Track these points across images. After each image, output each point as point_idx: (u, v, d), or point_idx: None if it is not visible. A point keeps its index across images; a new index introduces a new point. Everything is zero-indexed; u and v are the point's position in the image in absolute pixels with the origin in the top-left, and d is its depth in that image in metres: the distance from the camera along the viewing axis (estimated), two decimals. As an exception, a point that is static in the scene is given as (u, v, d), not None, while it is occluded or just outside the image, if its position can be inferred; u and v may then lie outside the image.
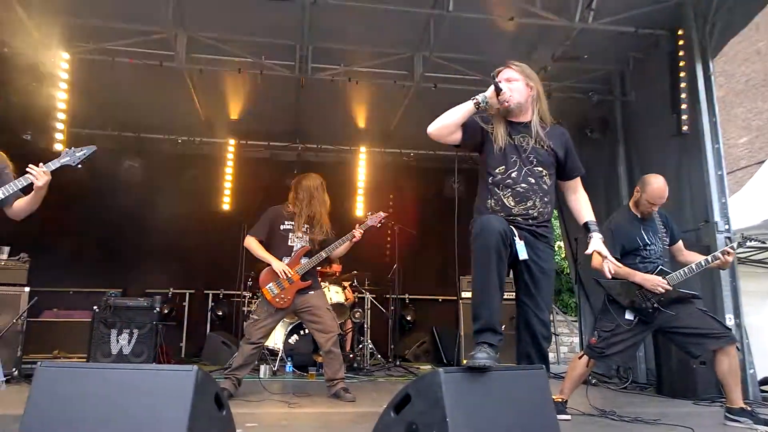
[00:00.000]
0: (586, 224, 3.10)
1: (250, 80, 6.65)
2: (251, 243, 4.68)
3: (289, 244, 4.69)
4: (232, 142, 8.50)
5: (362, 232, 4.76)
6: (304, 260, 4.65)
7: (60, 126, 6.43)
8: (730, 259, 3.80)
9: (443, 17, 5.69)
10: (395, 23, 5.95)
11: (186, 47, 6.12)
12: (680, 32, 5.81)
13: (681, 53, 5.80)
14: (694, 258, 4.02)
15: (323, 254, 4.69)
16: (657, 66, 6.24)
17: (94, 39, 6.05)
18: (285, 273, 4.54)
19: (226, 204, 8.43)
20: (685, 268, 3.89)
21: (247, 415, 3.66)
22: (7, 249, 5.35)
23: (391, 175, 8.98)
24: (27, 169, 2.98)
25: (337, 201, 5.13)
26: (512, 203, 2.88)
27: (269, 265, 4.60)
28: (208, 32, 6.13)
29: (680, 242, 4.19)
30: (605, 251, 3.01)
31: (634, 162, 6.75)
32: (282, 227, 4.71)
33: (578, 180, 3.19)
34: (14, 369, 5.06)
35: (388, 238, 7.72)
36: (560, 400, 3.90)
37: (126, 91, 6.88)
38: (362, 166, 8.87)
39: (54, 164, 3.12)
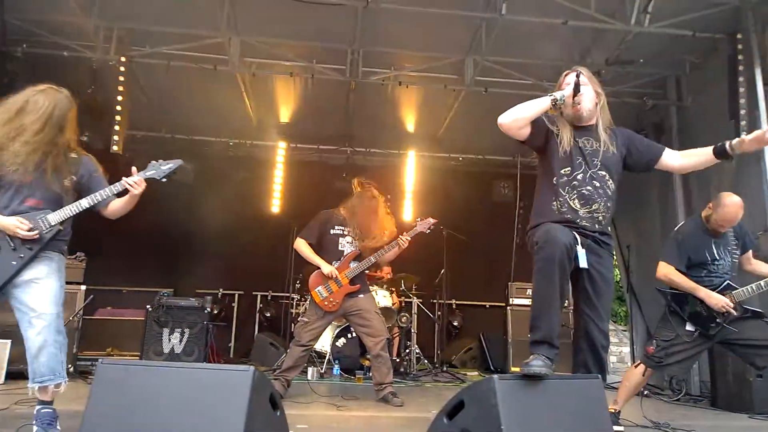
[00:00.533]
0: (713, 149, 2.92)
1: (301, 84, 6.74)
2: (301, 246, 4.72)
3: (339, 248, 4.72)
4: (282, 144, 8.60)
5: (410, 239, 4.74)
6: (353, 264, 4.67)
7: (116, 128, 6.63)
8: None
9: (495, 20, 5.64)
10: (446, 27, 5.93)
11: (239, 51, 6.25)
12: (739, 36, 5.61)
13: (740, 58, 5.59)
14: (762, 269, 3.88)
15: (372, 259, 4.70)
16: (715, 71, 6.04)
17: (150, 43, 6.24)
18: (333, 276, 4.56)
19: (275, 206, 8.54)
20: (753, 285, 3.73)
21: (298, 417, 3.68)
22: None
23: (439, 179, 8.93)
24: (123, 180, 3.04)
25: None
26: (578, 205, 2.82)
27: (319, 268, 4.63)
28: (261, 36, 6.24)
29: (750, 252, 4.02)
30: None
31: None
32: (332, 231, 4.74)
33: (669, 153, 3.03)
34: (70, 366, 5.20)
35: (437, 243, 7.66)
36: (613, 410, 3.78)
37: (180, 94, 7.07)
38: (410, 170, 8.85)
39: (141, 175, 3.13)
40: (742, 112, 5.50)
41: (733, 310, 3.65)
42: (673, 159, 3.02)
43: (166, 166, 3.15)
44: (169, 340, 5.59)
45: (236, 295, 8.41)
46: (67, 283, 5.22)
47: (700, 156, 3.00)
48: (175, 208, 7.67)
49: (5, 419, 3.35)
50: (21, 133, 2.91)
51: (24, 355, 4.62)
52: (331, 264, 4.63)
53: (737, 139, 2.87)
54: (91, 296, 5.56)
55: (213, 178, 8.24)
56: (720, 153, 2.89)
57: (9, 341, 4.83)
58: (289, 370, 4.56)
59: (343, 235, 4.75)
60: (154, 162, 3.15)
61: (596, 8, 5.49)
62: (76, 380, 5.02)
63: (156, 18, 5.95)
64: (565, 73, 3.00)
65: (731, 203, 3.79)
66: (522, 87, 6.62)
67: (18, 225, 2.83)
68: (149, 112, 7.40)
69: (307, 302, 4.98)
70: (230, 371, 2.29)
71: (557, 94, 2.81)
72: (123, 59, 6.21)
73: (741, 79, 5.56)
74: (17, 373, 4.80)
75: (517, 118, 2.80)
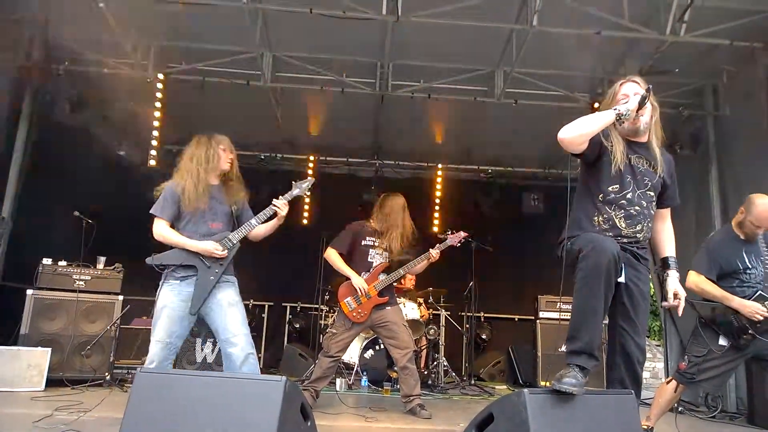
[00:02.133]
0: (665, 259, 3.00)
1: (330, 97, 6.82)
2: (332, 255, 4.76)
3: (369, 260, 4.75)
4: (311, 158, 8.71)
5: (439, 252, 4.75)
6: (382, 276, 4.69)
7: (153, 143, 6.81)
8: None
9: (525, 32, 5.63)
10: (476, 39, 5.94)
11: (271, 66, 6.37)
12: (778, 42, 5.49)
13: (780, 64, 5.48)
14: None
15: (401, 271, 4.72)
16: (753, 80, 5.90)
17: (186, 60, 6.41)
18: (362, 290, 4.58)
19: (305, 219, 8.64)
20: None
21: (326, 428, 3.71)
22: (103, 259, 5.68)
23: (468, 192, 8.92)
24: (273, 203, 3.56)
25: (413, 217, 5.14)
26: (623, 225, 2.76)
27: (348, 279, 4.66)
28: (293, 51, 6.36)
29: None
30: (682, 292, 2.87)
31: (728, 181, 6.39)
32: (363, 243, 4.78)
33: (669, 210, 3.07)
34: (107, 374, 5.34)
35: (465, 255, 7.63)
36: (646, 427, 3.72)
37: (212, 108, 7.21)
38: (439, 183, 8.86)
39: (290, 196, 3.67)
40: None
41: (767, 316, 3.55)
42: (657, 220, 2.99)
43: (305, 184, 3.77)
44: (202, 349, 5.70)
45: (266, 306, 8.50)
46: (105, 293, 5.47)
47: (657, 244, 3.07)
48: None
49: (48, 425, 3.44)
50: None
51: (63, 363, 4.80)
52: (360, 275, 4.66)
53: (670, 277, 2.93)
54: (128, 306, 5.69)
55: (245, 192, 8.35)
56: (663, 265, 3.00)
57: (49, 349, 4.98)
58: (318, 380, 4.59)
59: (374, 247, 4.78)
60: (294, 182, 3.73)
61: (630, 17, 5.40)
62: (112, 388, 5.14)
63: (191, 35, 6.11)
64: (620, 82, 2.90)
65: (764, 203, 3.72)
66: (553, 98, 6.59)
67: (216, 248, 3.36)
68: (183, 126, 7.55)
69: (336, 314, 5.01)
70: (263, 381, 2.33)
71: (622, 108, 2.67)
72: (160, 76, 6.39)
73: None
74: (57, 381, 4.95)
75: (581, 134, 2.66)
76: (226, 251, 3.42)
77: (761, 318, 3.56)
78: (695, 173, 6.76)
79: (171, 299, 3.28)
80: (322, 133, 8.14)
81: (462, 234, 4.89)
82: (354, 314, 4.59)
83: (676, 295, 2.85)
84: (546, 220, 7.90)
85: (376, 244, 4.78)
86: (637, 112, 2.71)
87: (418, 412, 4.46)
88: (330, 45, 6.22)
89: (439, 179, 8.87)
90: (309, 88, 6.61)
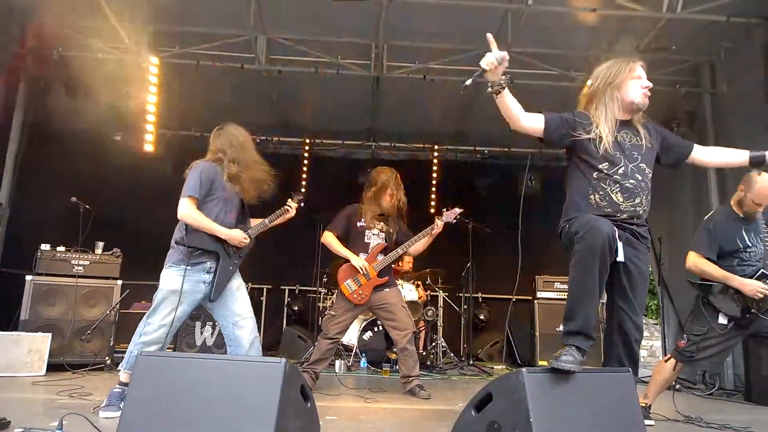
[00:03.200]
0: (751, 156, 2.99)
1: (325, 79, 6.77)
2: (329, 238, 4.76)
3: (366, 240, 4.75)
4: (307, 141, 8.68)
5: (443, 224, 4.72)
6: (380, 257, 4.70)
7: (149, 128, 6.77)
8: None
9: (520, 11, 5.59)
10: (470, 18, 5.88)
11: (266, 49, 6.33)
12: (776, 18, 5.46)
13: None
14: None
15: (399, 251, 4.72)
16: (750, 56, 5.87)
17: (180, 43, 6.35)
18: (364, 269, 4.60)
19: (301, 202, 8.61)
20: None
21: (326, 408, 3.74)
22: (101, 244, 5.68)
23: (465, 173, 8.92)
24: (287, 203, 3.95)
25: (410, 199, 5.14)
26: (621, 199, 2.79)
27: (346, 261, 4.67)
28: (287, 34, 6.30)
29: None
30: None
31: (724, 159, 6.39)
32: (359, 224, 4.78)
33: (696, 149, 3.07)
34: (107, 358, 5.37)
35: (462, 236, 7.65)
36: (644, 404, 3.75)
37: (208, 92, 7.17)
38: (435, 164, 8.85)
39: (300, 197, 4.13)
40: (779, 99, 5.36)
41: None
42: (702, 155, 3.05)
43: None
44: (201, 333, 5.73)
45: (264, 289, 8.53)
46: (104, 278, 5.48)
47: (732, 157, 3.04)
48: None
49: (49, 409, 3.47)
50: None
51: (64, 348, 4.81)
52: (358, 257, 4.68)
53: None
54: (127, 291, 5.71)
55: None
56: (757, 162, 2.95)
57: (50, 335, 4.99)
58: (317, 362, 4.62)
59: (370, 228, 4.77)
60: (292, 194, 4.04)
61: (626, -6, 5.39)
62: (113, 372, 5.17)
63: (185, 18, 6.05)
64: (634, 60, 2.95)
65: (763, 179, 3.73)
66: (549, 78, 6.56)
67: (243, 236, 3.55)
68: (179, 111, 7.52)
69: (335, 296, 5.02)
70: (262, 363, 2.34)
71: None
72: (154, 60, 6.34)
73: (778, 64, 5.42)
74: (58, 365, 4.97)
75: (508, 119, 2.83)
76: (248, 240, 3.61)
77: (762, 296, 3.59)
78: (692, 149, 6.75)
79: (180, 284, 3.31)
80: (318, 116, 8.12)
81: (457, 210, 4.86)
82: (354, 296, 4.60)
83: None
84: (543, 200, 7.91)
85: (372, 224, 4.77)
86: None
87: (417, 392, 4.50)
88: (324, 27, 6.17)
89: (435, 161, 8.85)
90: (304, 71, 6.56)
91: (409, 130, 8.54)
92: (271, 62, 6.52)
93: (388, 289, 4.71)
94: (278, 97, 7.54)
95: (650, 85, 2.90)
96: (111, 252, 5.65)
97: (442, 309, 7.25)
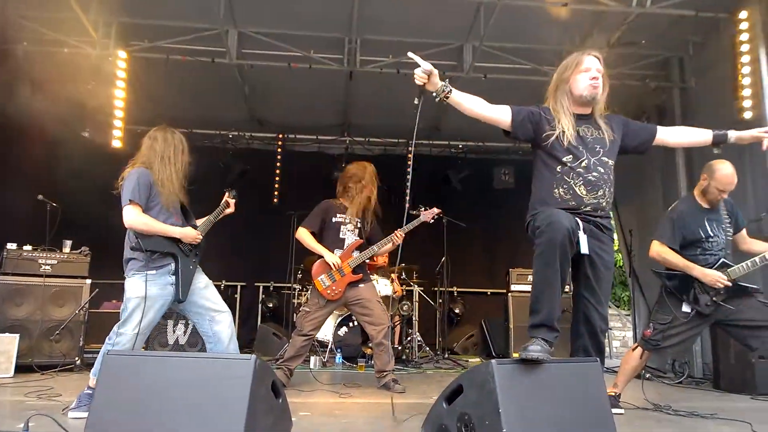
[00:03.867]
0: (714, 135, 3.11)
1: (299, 74, 6.72)
2: (303, 235, 4.73)
3: (341, 236, 4.73)
4: (280, 136, 8.61)
5: (404, 234, 4.70)
6: (355, 253, 4.68)
7: (117, 123, 6.65)
8: None
9: (493, 5, 5.61)
10: (444, 13, 5.90)
11: (237, 43, 6.25)
12: (743, 15, 5.57)
13: (743, 37, 5.55)
14: (758, 247, 3.87)
15: (375, 248, 4.71)
16: (718, 51, 6.00)
17: (149, 37, 6.24)
18: (337, 266, 4.58)
19: (275, 198, 8.57)
20: (748, 262, 3.72)
21: (300, 405, 3.72)
22: (69, 243, 5.57)
23: (440, 167, 8.94)
24: (226, 199, 3.87)
25: (386, 194, 5.13)
26: (584, 192, 2.83)
27: (321, 257, 4.66)
28: (258, 27, 6.23)
29: (744, 231, 4.02)
30: (755, 132, 3.07)
31: (693, 149, 6.50)
32: (334, 219, 4.75)
33: (662, 130, 3.13)
34: (77, 358, 5.27)
35: (437, 231, 7.68)
36: (613, 393, 3.82)
37: (179, 87, 7.07)
38: (410, 159, 8.84)
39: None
40: (746, 92, 5.46)
41: (728, 283, 3.67)
42: (667, 136, 3.12)
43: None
44: (174, 331, 5.65)
45: (238, 287, 8.47)
46: (73, 277, 5.37)
47: (696, 136, 3.13)
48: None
49: (17, 411, 3.40)
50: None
51: (32, 348, 4.70)
52: (333, 253, 4.66)
53: (737, 134, 3.06)
54: (96, 290, 5.61)
55: (213, 171, 8.26)
56: (719, 141, 3.05)
57: (17, 335, 4.89)
58: (292, 359, 4.59)
59: (344, 224, 4.76)
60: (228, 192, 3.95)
61: (597, -11, 5.44)
62: (83, 372, 5.08)
63: (154, 12, 5.95)
64: (584, 53, 3.03)
65: (725, 167, 3.82)
66: (522, 72, 6.59)
67: (197, 234, 3.52)
68: (149, 106, 7.39)
69: (309, 292, 5.00)
70: (232, 360, 2.33)
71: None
72: (122, 54, 6.22)
73: (745, 58, 5.52)
74: (26, 367, 4.87)
75: (471, 114, 2.91)
76: (201, 237, 3.57)
77: (722, 286, 3.67)
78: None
79: (149, 291, 3.26)
80: (291, 111, 8.06)
81: (435, 210, 4.88)
82: (328, 292, 4.58)
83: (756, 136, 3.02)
84: (517, 194, 7.97)
85: (347, 220, 4.76)
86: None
87: (392, 386, 4.50)
88: (297, 21, 6.11)
89: (409, 155, 8.85)
90: (276, 65, 6.49)
91: (384, 125, 8.52)
92: (243, 56, 6.44)
93: (362, 285, 4.70)
94: (251, 91, 7.46)
95: (598, 75, 2.94)
96: (79, 251, 5.55)
97: (417, 303, 7.27)
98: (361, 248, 4.73)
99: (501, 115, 2.91)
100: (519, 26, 6.07)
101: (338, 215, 4.77)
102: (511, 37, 6.29)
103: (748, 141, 3.10)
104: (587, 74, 2.95)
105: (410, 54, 2.78)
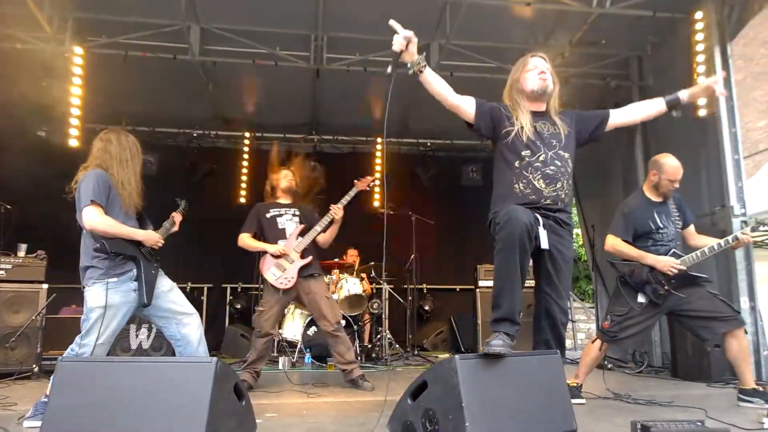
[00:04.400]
0: (666, 102, 3.20)
1: (264, 72, 6.64)
2: (244, 239, 4.72)
3: (280, 227, 4.71)
4: (247, 134, 8.51)
5: (341, 208, 4.67)
6: (300, 239, 4.65)
7: (74, 122, 6.47)
8: (746, 241, 3.79)
9: (459, 4, 5.63)
10: (410, 10, 5.87)
11: (199, 39, 6.14)
12: (698, 15, 5.73)
13: (699, 37, 5.70)
14: (705, 242, 4.00)
15: (318, 227, 4.66)
16: (675, 50, 6.15)
17: (107, 33, 6.07)
18: (281, 251, 4.53)
19: (242, 197, 8.46)
20: (698, 252, 3.87)
21: (268, 406, 3.69)
22: (24, 246, 5.39)
23: (408, 165, 8.95)
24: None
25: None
26: (543, 185, 2.89)
27: (266, 253, 4.63)
28: (222, 23, 6.12)
29: (692, 226, 4.18)
30: (711, 78, 3.18)
31: (652, 147, 6.64)
32: (269, 215, 4.75)
33: (615, 112, 3.20)
34: (34, 366, 5.12)
35: (406, 228, 7.69)
36: (575, 384, 3.91)
37: (140, 85, 6.91)
38: (379, 157, 8.85)
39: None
40: (701, 90, 5.60)
41: (682, 267, 3.78)
42: (621, 116, 3.19)
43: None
44: (137, 336, 5.54)
45: (205, 289, 8.34)
46: (29, 282, 5.21)
47: (650, 108, 3.22)
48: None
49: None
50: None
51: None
52: (277, 243, 4.62)
53: (689, 92, 3.17)
54: (53, 295, 5.45)
55: (178, 170, 8.12)
56: (673, 105, 3.16)
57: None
58: (256, 362, 4.55)
59: (281, 215, 4.75)
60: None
61: (560, -11, 5.51)
62: (41, 380, 4.94)
63: (111, 7, 5.80)
64: (530, 54, 3.15)
65: (671, 159, 4.02)
66: (487, 70, 6.63)
67: (160, 237, 3.46)
68: (109, 104, 7.22)
69: (263, 290, 4.92)
70: (192, 363, 2.28)
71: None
72: (78, 50, 6.05)
73: (700, 57, 5.67)
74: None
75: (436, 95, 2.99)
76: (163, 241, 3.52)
77: (675, 272, 3.78)
78: (623, 141, 7.00)
79: (111, 299, 3.18)
80: (258, 109, 7.96)
81: (369, 178, 4.85)
82: (280, 281, 4.51)
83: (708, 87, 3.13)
84: (484, 191, 8.02)
85: (283, 211, 4.75)
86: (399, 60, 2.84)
87: (361, 384, 4.48)
88: (261, 17, 6.03)
89: (378, 153, 8.84)
90: (241, 62, 6.40)
91: (352, 123, 8.48)
92: (206, 53, 6.33)
93: (314, 280, 4.66)
94: (215, 89, 7.33)
95: (545, 70, 3.05)
96: (35, 254, 5.38)
97: (387, 301, 7.27)
98: (304, 233, 4.69)
99: (466, 104, 2.97)
100: (484, 25, 6.11)
101: (272, 209, 4.77)
102: (477, 36, 6.33)
103: (701, 95, 3.24)
104: (534, 71, 3.06)
105: (391, 22, 2.78)
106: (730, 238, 3.79)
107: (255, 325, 4.69)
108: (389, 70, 2.76)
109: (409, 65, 2.81)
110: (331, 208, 4.66)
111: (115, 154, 3.37)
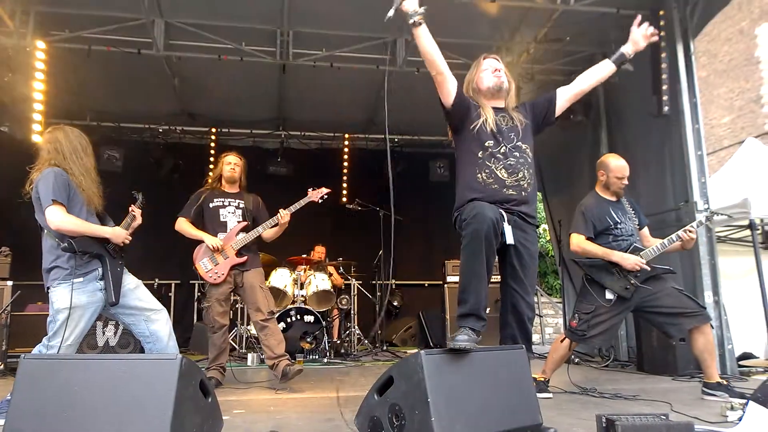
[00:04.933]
0: (613, 60, 3.30)
1: (231, 66, 6.57)
2: (182, 224, 4.58)
3: (222, 219, 4.60)
4: (213, 130, 8.41)
5: (289, 213, 4.56)
6: (240, 236, 4.55)
7: (38, 117, 6.32)
8: (693, 236, 3.94)
9: (424, 0, 5.64)
10: (377, 6, 5.86)
11: (164, 34, 6.04)
12: (661, 12, 5.80)
13: (662, 34, 5.80)
14: (657, 243, 4.08)
15: (260, 228, 4.56)
16: (639, 48, 6.25)
17: (70, 27, 5.94)
18: (214, 246, 4.43)
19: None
20: (657, 244, 3.99)
21: (235, 402, 3.67)
22: (-13, 243, 5.29)
23: (376, 161, 8.95)
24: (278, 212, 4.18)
25: (321, 187, 5.06)
26: (505, 175, 2.92)
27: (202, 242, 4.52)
28: (187, 18, 6.03)
29: (646, 229, 4.28)
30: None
31: (617, 144, 6.78)
32: (212, 204, 4.63)
33: (559, 89, 3.24)
34: (0, 363, 5.02)
35: (374, 225, 7.71)
36: (542, 379, 3.97)
37: (104, 80, 6.78)
38: (346, 153, 8.85)
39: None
40: (665, 87, 5.69)
41: (646, 267, 3.88)
42: (571, 90, 3.24)
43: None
44: (104, 333, 5.47)
45: (173, 285, 8.25)
46: (-6, 279, 5.10)
47: (597, 73, 3.28)
48: (106, 197, 7.39)
49: None
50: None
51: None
52: (217, 237, 4.52)
53: (629, 48, 3.30)
54: (18, 292, 5.35)
55: (143, 166, 7.99)
56: (620, 62, 3.26)
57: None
58: (218, 357, 4.47)
59: (224, 206, 4.63)
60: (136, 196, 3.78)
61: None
62: (7, 377, 4.84)
63: (74, 0, 5.66)
64: (483, 56, 3.23)
65: (615, 158, 4.19)
66: (453, 67, 6.53)
67: (127, 235, 3.39)
68: (73, 99, 7.06)
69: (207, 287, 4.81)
70: (156, 360, 2.27)
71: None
72: (41, 44, 5.90)
73: (663, 54, 5.75)
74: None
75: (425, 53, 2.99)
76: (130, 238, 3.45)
77: (639, 269, 3.87)
78: (588, 138, 7.14)
79: (78, 300, 3.12)
80: (224, 104, 7.89)
81: (323, 190, 4.74)
82: (210, 275, 4.44)
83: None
84: (452, 187, 8.08)
85: (227, 203, 4.64)
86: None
87: (288, 371, 4.27)
88: (226, 11, 5.95)
89: (346, 149, 8.84)
90: (206, 56, 6.33)
91: (319, 119, 8.46)
92: (171, 48, 6.23)
93: (249, 271, 4.55)
94: (181, 84, 7.23)
95: (499, 67, 3.14)
96: (-1, 251, 5.27)
97: (356, 297, 7.29)
98: (246, 230, 4.59)
99: (451, 81, 2.98)
100: (450, 21, 6.13)
101: (216, 199, 4.65)
102: (443, 32, 6.23)
103: (639, 42, 3.33)
104: (488, 70, 3.14)
105: None
106: (673, 235, 3.93)
107: (206, 322, 4.61)
108: (390, 13, 2.81)
109: (409, 15, 2.84)
110: (278, 212, 4.54)
111: (67, 151, 3.28)
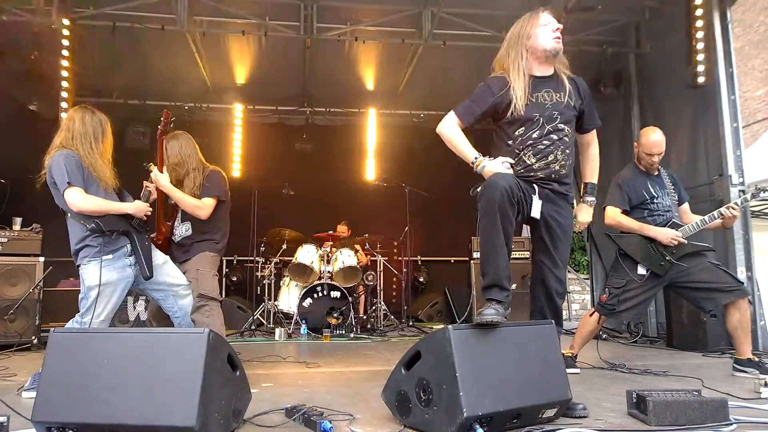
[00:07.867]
0: (585, 185, 3.12)
1: (255, 42, 6.54)
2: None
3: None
4: (239, 107, 8.41)
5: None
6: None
7: (64, 95, 6.37)
8: (736, 213, 3.82)
9: (451, -30, 5.53)
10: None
11: (187, 10, 6.01)
12: (697, -20, 5.61)
13: (697, 2, 5.59)
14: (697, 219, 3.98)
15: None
16: (673, 16, 6.04)
17: (94, 3, 5.95)
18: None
19: (236, 170, 8.40)
20: (697, 221, 3.88)
21: (263, 376, 3.71)
22: (19, 220, 5.37)
23: (401, 137, 8.88)
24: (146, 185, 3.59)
25: (347, 164, 5.05)
26: (533, 160, 2.77)
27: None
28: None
29: (686, 204, 4.16)
30: (583, 220, 3.10)
31: (649, 116, 6.60)
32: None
33: (594, 133, 3.11)
34: (33, 337, 5.15)
35: (400, 201, 7.67)
36: (570, 354, 3.92)
37: (129, 57, 6.81)
38: (372, 129, 8.77)
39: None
40: (700, 57, 5.50)
41: (684, 241, 3.78)
42: (582, 145, 3.11)
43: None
44: (134, 307, 5.55)
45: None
46: (25, 255, 5.20)
47: (582, 167, 3.16)
48: (135, 175, 7.48)
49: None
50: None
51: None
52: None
53: (583, 205, 3.10)
54: (50, 268, 5.45)
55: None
56: (585, 191, 3.12)
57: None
58: None
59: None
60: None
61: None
62: (40, 351, 4.96)
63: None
64: (540, 8, 2.91)
65: (650, 132, 4.01)
66: (481, 39, 6.54)
67: (147, 206, 3.40)
68: (99, 77, 7.11)
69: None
70: (185, 334, 2.28)
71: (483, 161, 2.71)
72: (65, 22, 5.93)
73: (699, 23, 5.56)
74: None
75: (450, 145, 2.86)
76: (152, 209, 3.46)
77: (677, 243, 3.77)
78: (619, 110, 6.96)
79: (108, 276, 3.17)
80: (249, 81, 7.87)
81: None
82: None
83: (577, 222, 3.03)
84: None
85: None
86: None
87: None
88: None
89: (371, 125, 8.77)
90: (229, 32, 6.29)
91: (345, 95, 8.39)
92: (195, 23, 6.22)
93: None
94: (206, 61, 7.23)
95: (560, 27, 2.83)
96: (30, 228, 5.36)
97: (381, 273, 7.29)
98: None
99: (471, 122, 2.85)
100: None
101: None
102: (470, 3, 6.22)
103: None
104: (548, 27, 2.83)
105: None
106: (715, 212, 3.83)
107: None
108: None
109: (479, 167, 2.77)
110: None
111: (78, 133, 3.27)
